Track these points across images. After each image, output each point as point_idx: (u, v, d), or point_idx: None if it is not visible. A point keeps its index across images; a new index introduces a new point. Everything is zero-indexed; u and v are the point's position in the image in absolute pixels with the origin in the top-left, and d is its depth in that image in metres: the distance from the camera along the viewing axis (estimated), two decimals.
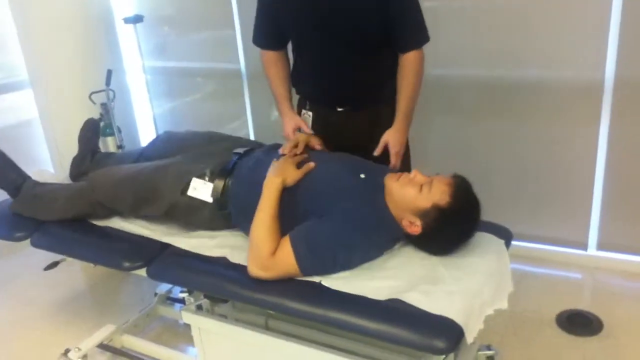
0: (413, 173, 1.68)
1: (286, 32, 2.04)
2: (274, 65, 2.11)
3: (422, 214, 1.62)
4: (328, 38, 1.93)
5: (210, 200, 1.88)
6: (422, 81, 1.99)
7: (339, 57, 1.96)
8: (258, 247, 1.63)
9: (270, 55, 2.11)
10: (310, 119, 2.14)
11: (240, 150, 1.99)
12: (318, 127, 2.10)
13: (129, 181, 2.02)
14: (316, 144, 2.00)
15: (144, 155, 2.27)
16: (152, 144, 2.35)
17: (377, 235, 1.68)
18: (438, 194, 1.60)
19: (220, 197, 1.87)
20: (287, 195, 1.72)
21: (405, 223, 1.65)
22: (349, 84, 2.02)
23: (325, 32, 1.91)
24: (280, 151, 1.91)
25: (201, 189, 1.90)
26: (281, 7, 1.96)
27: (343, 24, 1.88)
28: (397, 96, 1.97)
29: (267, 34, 2.08)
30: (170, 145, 2.23)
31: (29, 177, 2.29)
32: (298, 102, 2.21)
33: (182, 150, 2.12)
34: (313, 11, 1.89)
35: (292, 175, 1.75)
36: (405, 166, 2.09)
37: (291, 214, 1.70)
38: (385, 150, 1.99)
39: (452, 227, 1.64)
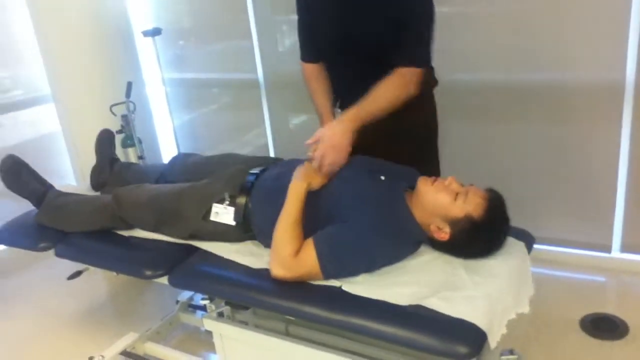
0: (449, 180, 1.67)
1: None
2: (315, 80, 2.09)
3: (453, 222, 1.61)
4: (349, 54, 1.92)
5: (233, 223, 1.90)
6: (395, 106, 1.80)
7: (361, 71, 1.89)
8: (281, 248, 1.65)
9: (311, 69, 2.08)
10: None
11: (257, 170, 1.99)
12: None
13: (151, 206, 2.05)
14: None
15: (163, 176, 2.31)
16: (171, 165, 2.38)
17: (400, 240, 1.68)
18: (472, 205, 1.60)
19: (243, 220, 1.89)
20: (310, 199, 1.73)
21: (433, 228, 1.65)
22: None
23: (346, 48, 1.91)
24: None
25: (223, 214, 1.92)
26: (312, 18, 1.98)
27: (362, 43, 1.87)
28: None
29: (306, 45, 2.07)
30: (188, 168, 2.27)
31: (52, 187, 2.34)
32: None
33: (200, 173, 2.14)
34: (334, 29, 1.90)
35: (317, 179, 1.76)
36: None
37: (314, 217, 1.70)
38: (405, 154, 1.96)
39: (480, 239, 1.64)
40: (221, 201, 1.92)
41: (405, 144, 1.98)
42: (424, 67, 1.88)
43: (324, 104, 2.07)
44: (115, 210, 2.10)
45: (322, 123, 2.06)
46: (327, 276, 1.62)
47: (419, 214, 1.67)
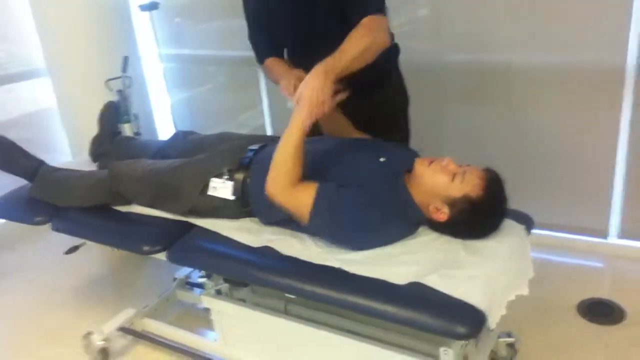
0: (446, 161, 1.66)
1: (280, 38, 2.07)
2: (277, 62, 2.09)
3: (451, 203, 1.61)
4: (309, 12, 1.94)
5: (232, 197, 1.88)
6: (368, 57, 1.77)
7: (326, 33, 1.85)
8: (281, 175, 1.68)
9: (273, 60, 2.10)
10: None
11: (255, 146, 1.98)
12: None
13: (148, 180, 2.04)
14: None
15: (160, 152, 2.29)
16: (170, 142, 2.37)
17: (399, 221, 1.68)
18: (470, 186, 1.59)
19: (242, 195, 1.87)
20: (318, 162, 1.74)
21: (432, 209, 1.64)
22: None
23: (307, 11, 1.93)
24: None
25: (221, 188, 1.90)
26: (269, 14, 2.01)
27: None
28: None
29: (264, 42, 2.11)
30: (186, 145, 2.25)
31: (44, 162, 2.32)
32: None
33: (198, 150, 2.12)
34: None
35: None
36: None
37: (314, 168, 1.72)
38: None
39: (479, 219, 1.64)
40: (219, 175, 1.91)
41: (383, 114, 2.03)
42: (382, 14, 1.86)
43: (278, 62, 2.07)
44: (112, 185, 2.08)
45: (276, 75, 2.03)
46: (310, 225, 1.65)
47: (418, 196, 1.67)
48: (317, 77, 1.66)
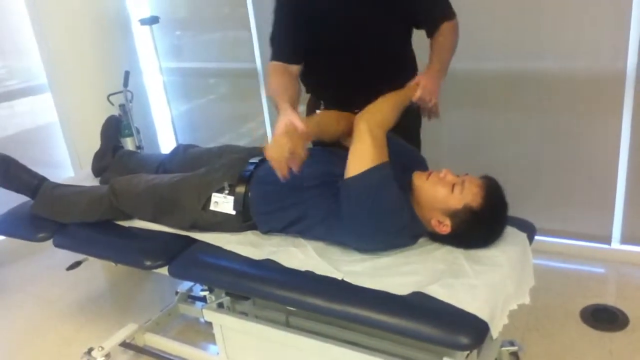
0: (443, 172, 1.66)
1: (309, 43, 1.98)
2: (280, 75, 1.93)
3: (453, 214, 1.61)
4: (352, 50, 1.91)
5: (233, 212, 1.88)
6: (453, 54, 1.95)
7: (363, 64, 1.92)
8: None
9: (281, 66, 1.96)
10: None
11: (256, 159, 1.97)
12: None
13: (149, 195, 2.04)
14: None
15: (162, 167, 2.30)
16: (170, 156, 2.37)
17: (401, 233, 1.67)
18: (470, 195, 1.59)
19: (243, 209, 1.87)
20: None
21: (434, 222, 1.64)
22: (372, 91, 1.85)
23: (350, 45, 1.90)
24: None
25: (222, 203, 1.90)
26: (309, 16, 1.92)
27: (370, 39, 1.90)
28: (431, 56, 1.92)
29: (288, 47, 1.98)
30: (186, 159, 2.26)
31: (45, 179, 2.33)
32: (308, 103, 2.20)
33: (199, 164, 2.13)
34: (339, 27, 1.89)
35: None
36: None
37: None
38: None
39: (481, 228, 1.63)
40: (220, 190, 1.91)
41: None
42: (455, 18, 1.94)
43: (282, 95, 1.84)
44: (113, 201, 2.08)
45: (280, 112, 1.79)
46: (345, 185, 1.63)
47: (419, 210, 1.66)
48: (435, 81, 1.84)
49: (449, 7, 1.93)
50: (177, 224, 1.99)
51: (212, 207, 1.91)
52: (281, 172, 1.60)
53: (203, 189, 1.94)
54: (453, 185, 1.61)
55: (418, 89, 1.80)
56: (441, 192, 1.62)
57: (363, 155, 1.60)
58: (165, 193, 2.01)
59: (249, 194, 1.87)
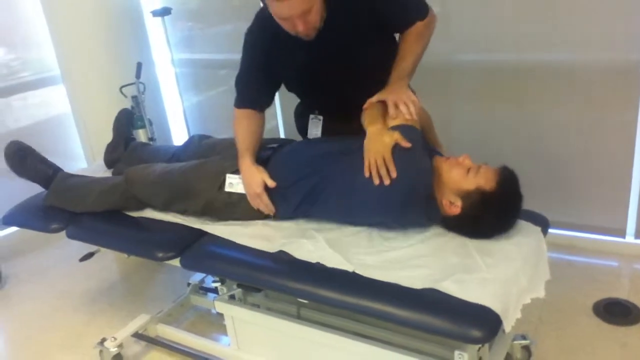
0: (462, 157, 1.68)
1: (284, 84, 2.01)
2: (247, 119, 1.97)
3: (464, 195, 1.63)
4: (338, 76, 1.89)
5: None
6: (426, 49, 1.88)
7: (350, 85, 1.88)
8: None
9: (247, 111, 1.99)
10: (321, 122, 2.11)
11: (274, 144, 2.01)
12: (328, 134, 2.08)
13: (165, 179, 2.06)
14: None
15: (175, 157, 2.31)
16: (184, 146, 2.39)
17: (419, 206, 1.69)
18: (484, 179, 1.62)
19: None
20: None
21: (445, 203, 1.66)
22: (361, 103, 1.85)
23: (332, 73, 1.88)
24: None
25: (237, 184, 1.92)
26: (279, 64, 1.91)
27: (350, 59, 1.87)
28: (394, 65, 1.84)
29: (257, 92, 1.99)
30: (201, 149, 2.27)
31: (60, 169, 2.35)
32: (302, 109, 2.20)
33: (214, 153, 2.15)
34: (317, 61, 1.86)
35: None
36: None
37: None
38: None
39: (490, 213, 1.63)
40: (236, 172, 1.92)
41: None
42: (429, 13, 1.88)
43: (247, 143, 1.93)
44: (127, 187, 2.10)
45: (239, 163, 1.92)
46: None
47: (437, 192, 1.68)
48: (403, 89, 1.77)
49: (420, 6, 1.87)
50: (190, 207, 2.00)
51: (227, 189, 1.93)
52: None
53: (218, 171, 1.96)
54: (469, 169, 1.64)
55: (390, 109, 1.73)
56: (456, 173, 1.65)
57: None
58: (180, 177, 2.03)
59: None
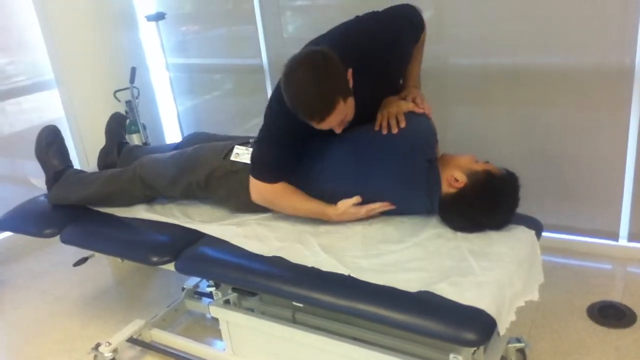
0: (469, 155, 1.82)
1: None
2: (291, 189, 1.86)
3: (472, 173, 1.73)
4: (369, 109, 1.88)
5: None
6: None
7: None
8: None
9: (284, 183, 1.86)
10: None
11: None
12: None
13: (175, 157, 2.16)
14: None
15: (179, 149, 2.33)
16: (185, 142, 2.43)
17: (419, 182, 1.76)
18: (492, 167, 1.76)
19: None
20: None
21: (449, 177, 1.73)
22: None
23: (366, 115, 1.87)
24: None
25: (244, 154, 1.97)
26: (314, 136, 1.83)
27: (381, 97, 1.92)
28: (405, 74, 1.99)
29: (290, 163, 1.87)
30: (202, 140, 2.32)
31: (72, 167, 2.41)
32: None
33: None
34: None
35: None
36: None
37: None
38: None
39: (491, 197, 1.71)
40: (245, 144, 2.00)
41: None
42: (424, 25, 1.97)
43: (311, 199, 1.87)
44: (137, 170, 2.16)
45: (325, 215, 1.86)
46: None
47: (442, 173, 1.76)
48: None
49: (416, 22, 1.93)
50: (194, 179, 2.05)
51: (232, 158, 2.00)
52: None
53: (227, 145, 2.05)
54: (477, 160, 1.79)
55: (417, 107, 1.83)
56: (467, 158, 1.79)
57: None
58: (192, 151, 2.12)
59: None
